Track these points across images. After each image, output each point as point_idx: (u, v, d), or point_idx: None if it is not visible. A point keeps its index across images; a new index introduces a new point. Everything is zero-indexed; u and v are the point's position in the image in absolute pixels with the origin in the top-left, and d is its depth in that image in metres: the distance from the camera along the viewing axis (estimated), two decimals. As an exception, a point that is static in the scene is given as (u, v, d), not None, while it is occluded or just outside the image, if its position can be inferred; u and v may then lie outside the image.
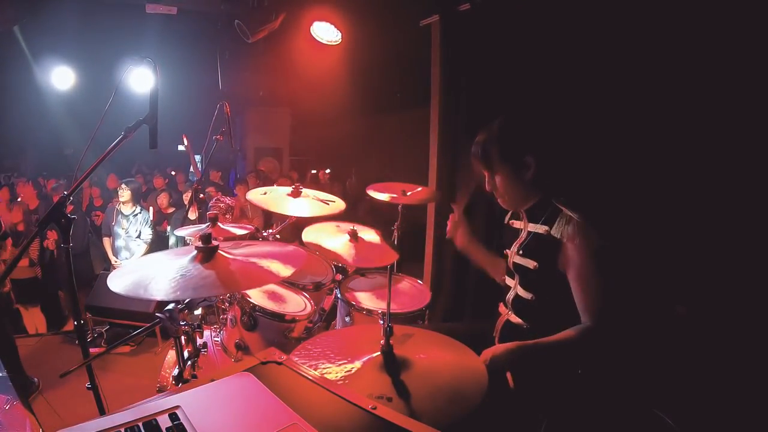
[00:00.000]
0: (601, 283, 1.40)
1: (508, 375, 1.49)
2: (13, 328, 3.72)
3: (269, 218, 4.76)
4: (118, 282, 1.13)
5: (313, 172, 6.80)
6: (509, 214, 1.77)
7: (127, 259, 4.52)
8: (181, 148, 10.49)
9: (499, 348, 1.41)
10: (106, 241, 4.68)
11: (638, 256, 1.88)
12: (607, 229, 1.45)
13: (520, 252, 1.58)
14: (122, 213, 4.54)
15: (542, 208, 1.55)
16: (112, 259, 4.60)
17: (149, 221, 4.60)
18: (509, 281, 1.69)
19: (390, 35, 3.61)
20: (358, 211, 3.29)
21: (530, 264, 1.54)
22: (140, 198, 4.68)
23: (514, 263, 1.62)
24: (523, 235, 1.61)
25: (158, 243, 4.68)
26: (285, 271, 1.21)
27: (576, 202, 1.50)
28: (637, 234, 1.91)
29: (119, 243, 4.59)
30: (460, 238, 1.93)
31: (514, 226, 1.69)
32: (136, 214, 4.54)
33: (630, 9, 1.96)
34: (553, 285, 1.48)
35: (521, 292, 1.60)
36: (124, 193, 4.48)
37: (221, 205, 2.84)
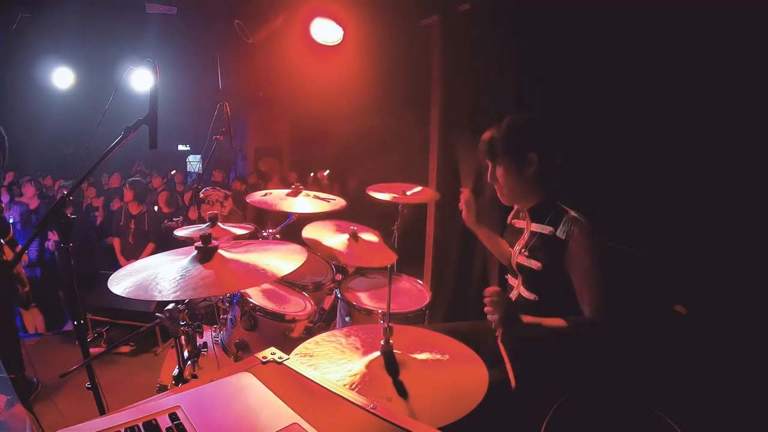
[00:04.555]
0: (604, 285, 1.42)
1: (510, 373, 1.49)
2: (18, 329, 3.72)
3: (263, 217, 4.76)
4: (119, 284, 1.13)
5: (312, 174, 6.80)
6: (512, 213, 1.78)
7: (131, 259, 4.52)
8: (181, 147, 10.51)
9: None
10: (116, 242, 4.68)
11: (640, 255, 1.88)
12: (610, 230, 1.46)
13: (525, 253, 1.58)
14: (129, 212, 4.54)
15: (546, 208, 1.56)
16: (121, 259, 4.60)
17: (153, 221, 4.60)
18: (512, 281, 1.69)
19: (390, 35, 3.61)
20: (361, 210, 3.30)
21: (534, 265, 1.54)
22: (145, 198, 4.68)
23: (517, 263, 1.62)
24: (526, 235, 1.61)
25: (160, 244, 4.68)
26: (286, 268, 1.21)
27: (579, 203, 1.51)
28: (639, 234, 1.91)
29: (123, 243, 4.59)
30: (470, 218, 1.94)
31: (517, 225, 1.69)
32: (143, 213, 4.55)
33: (632, 7, 1.95)
34: (557, 286, 1.48)
35: (524, 292, 1.60)
36: (128, 194, 4.48)
37: (218, 194, 2.85)
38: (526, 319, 1.42)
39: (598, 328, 1.42)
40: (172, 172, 7.20)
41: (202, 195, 2.88)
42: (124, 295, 1.10)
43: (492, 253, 1.94)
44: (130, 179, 4.79)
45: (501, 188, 1.62)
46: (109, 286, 1.14)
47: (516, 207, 1.74)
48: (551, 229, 1.51)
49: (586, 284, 1.44)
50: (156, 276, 1.15)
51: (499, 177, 1.59)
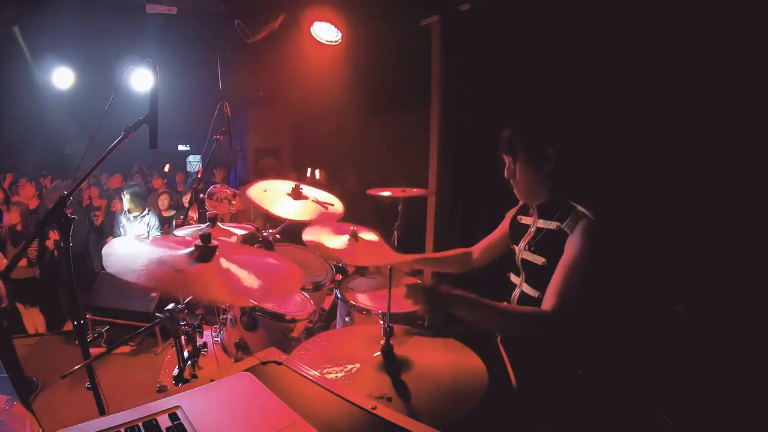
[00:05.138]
0: (582, 281, 1.37)
1: (510, 374, 1.49)
2: (10, 328, 3.72)
3: (266, 219, 4.76)
4: (110, 258, 1.11)
5: (309, 170, 6.81)
6: (516, 208, 1.77)
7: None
8: (181, 147, 10.50)
9: (435, 289, 1.39)
10: None
11: (639, 255, 1.88)
12: (617, 231, 1.45)
13: (531, 248, 1.58)
14: (129, 214, 4.54)
15: (555, 205, 1.55)
16: None
17: (156, 223, 4.59)
18: (515, 278, 1.68)
19: (390, 35, 3.61)
20: (361, 210, 3.30)
21: (539, 260, 1.54)
22: (144, 200, 4.67)
23: (522, 259, 1.62)
24: (532, 231, 1.61)
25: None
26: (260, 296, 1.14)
27: (589, 201, 1.50)
28: (639, 234, 1.91)
29: None
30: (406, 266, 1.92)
31: (522, 221, 1.69)
32: (143, 216, 4.54)
33: (634, 6, 1.95)
34: None
35: (527, 289, 1.59)
36: (125, 200, 4.47)
37: (227, 191, 2.84)
38: (456, 292, 1.36)
39: (552, 324, 1.33)
40: (166, 168, 7.19)
41: (210, 191, 2.88)
42: (106, 268, 1.07)
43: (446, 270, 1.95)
44: (128, 184, 4.78)
45: (518, 184, 1.62)
46: (102, 255, 1.12)
47: (522, 203, 1.74)
48: (558, 224, 1.50)
49: (563, 273, 1.38)
50: (140, 258, 1.12)
51: (517, 172, 1.60)
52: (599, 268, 1.39)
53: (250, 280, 1.16)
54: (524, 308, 1.42)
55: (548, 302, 1.37)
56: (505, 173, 1.64)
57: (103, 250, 1.14)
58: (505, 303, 1.43)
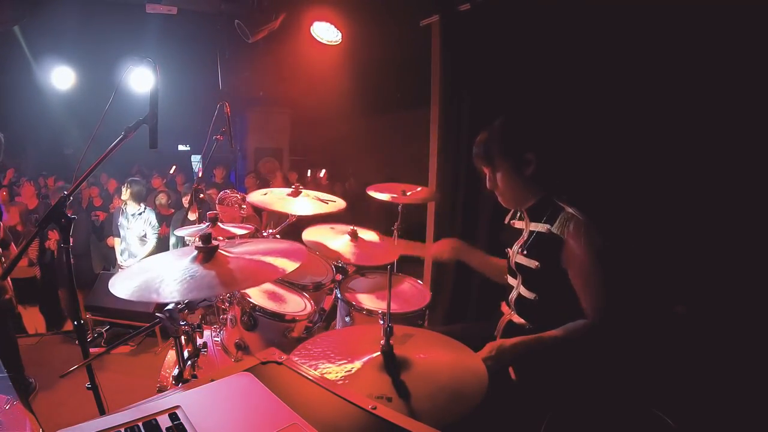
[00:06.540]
0: (603, 281, 1.41)
1: (510, 368, 1.49)
2: (14, 329, 3.73)
3: (279, 222, 4.78)
4: (121, 287, 1.12)
5: (309, 174, 6.83)
6: (510, 214, 1.78)
7: (130, 259, 4.51)
8: (181, 147, 10.51)
9: (503, 343, 1.43)
10: (116, 242, 4.68)
11: (638, 255, 1.88)
12: (608, 228, 1.46)
13: (524, 252, 1.58)
14: (127, 212, 4.54)
15: (543, 207, 1.55)
16: (119, 259, 4.59)
17: (154, 221, 4.59)
18: (511, 281, 1.69)
19: (390, 35, 3.61)
20: (366, 210, 3.30)
21: (532, 264, 1.54)
22: (144, 198, 4.67)
23: (516, 263, 1.62)
24: (525, 234, 1.61)
25: (159, 244, 4.68)
26: (289, 266, 1.20)
27: (577, 200, 1.50)
28: (638, 233, 1.91)
29: (123, 243, 4.59)
30: (448, 253, 1.95)
31: (516, 226, 1.69)
32: (140, 213, 4.54)
33: (630, 8, 1.95)
34: (556, 284, 1.48)
35: (524, 291, 1.60)
36: (125, 191, 4.47)
37: (237, 196, 2.85)
38: (517, 342, 1.44)
39: (597, 328, 1.41)
40: (172, 170, 7.19)
41: (221, 197, 2.90)
42: (127, 298, 1.08)
43: (487, 275, 1.93)
44: (130, 179, 4.78)
45: (502, 193, 1.61)
46: (111, 290, 1.13)
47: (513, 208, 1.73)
48: (548, 226, 1.50)
49: (585, 282, 1.44)
50: (158, 279, 1.14)
51: (498, 182, 1.58)
52: (607, 263, 1.41)
53: (267, 260, 1.23)
54: (574, 328, 1.44)
55: (589, 314, 1.43)
56: (487, 185, 1.63)
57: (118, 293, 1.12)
58: (559, 331, 1.44)
